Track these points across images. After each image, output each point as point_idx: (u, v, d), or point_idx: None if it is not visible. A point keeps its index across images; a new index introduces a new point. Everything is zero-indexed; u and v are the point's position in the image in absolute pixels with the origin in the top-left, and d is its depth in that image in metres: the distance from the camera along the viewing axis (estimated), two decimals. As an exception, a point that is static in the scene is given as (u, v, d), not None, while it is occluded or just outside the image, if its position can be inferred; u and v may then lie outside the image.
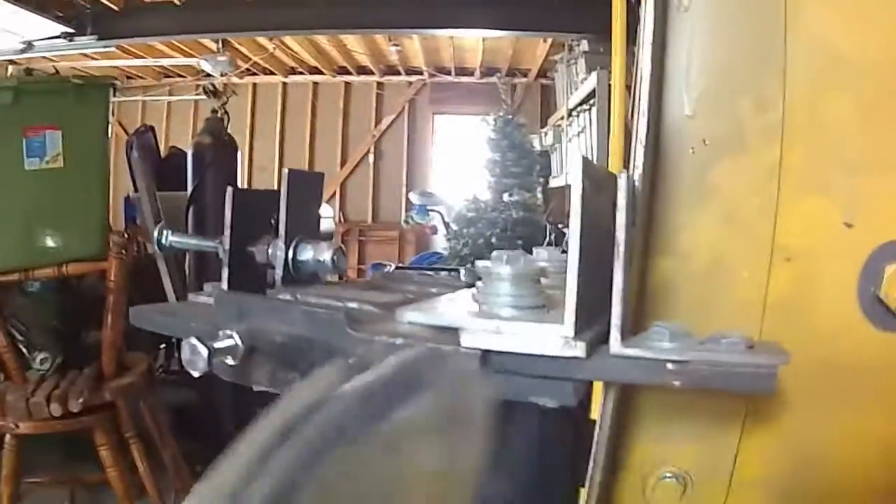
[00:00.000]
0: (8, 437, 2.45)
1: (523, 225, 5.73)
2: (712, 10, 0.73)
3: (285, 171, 0.78)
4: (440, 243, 6.96)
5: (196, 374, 0.61)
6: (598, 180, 0.58)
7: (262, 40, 7.84)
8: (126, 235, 2.57)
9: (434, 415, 0.37)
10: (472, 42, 7.82)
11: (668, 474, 0.78)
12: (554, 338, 0.49)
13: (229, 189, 0.84)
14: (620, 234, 0.50)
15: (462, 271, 1.01)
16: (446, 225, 6.64)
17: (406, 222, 7.64)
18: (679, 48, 0.73)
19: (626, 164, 0.61)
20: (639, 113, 0.66)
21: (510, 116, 6.42)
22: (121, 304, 2.55)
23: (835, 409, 0.77)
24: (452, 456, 0.39)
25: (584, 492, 0.73)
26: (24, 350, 2.65)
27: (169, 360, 4.71)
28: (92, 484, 3.03)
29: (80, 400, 2.37)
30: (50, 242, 2.55)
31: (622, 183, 0.51)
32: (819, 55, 0.73)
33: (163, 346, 4.46)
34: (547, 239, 5.36)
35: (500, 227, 5.70)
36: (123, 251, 2.52)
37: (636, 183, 0.62)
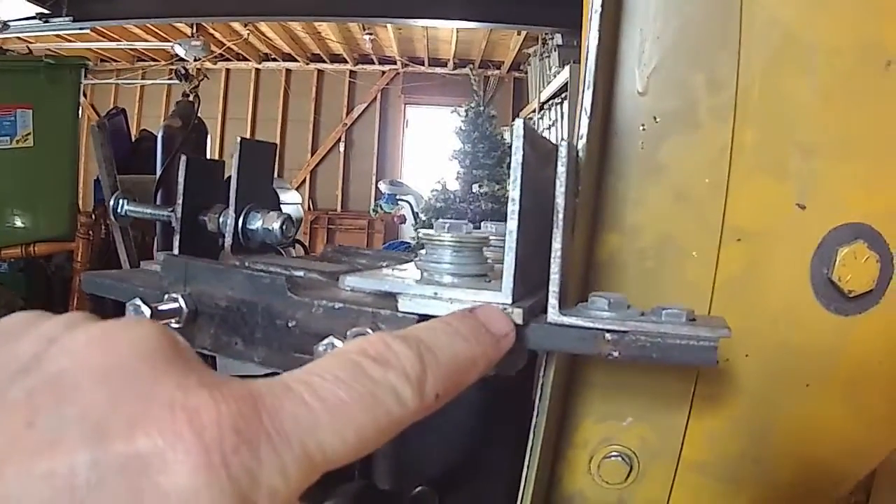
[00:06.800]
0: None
1: (493, 217, 5.74)
2: (668, -16, 0.72)
3: (237, 138, 0.76)
4: (409, 233, 6.95)
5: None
6: (545, 152, 0.57)
7: (237, 26, 7.79)
8: (94, 216, 2.54)
9: None
10: (445, 33, 7.82)
11: (614, 453, 0.76)
12: (491, 304, 0.49)
13: (183, 157, 0.83)
14: (560, 201, 0.50)
15: None
16: (415, 215, 6.63)
17: (374, 211, 7.63)
18: (632, 23, 0.72)
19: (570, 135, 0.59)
20: (584, 84, 0.65)
21: (482, 108, 6.43)
22: (83, 284, 2.52)
23: (784, 391, 0.76)
24: None
25: (525, 468, 0.71)
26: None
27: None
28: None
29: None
30: (18, 222, 2.52)
31: (563, 151, 0.50)
32: (774, 37, 0.71)
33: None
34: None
35: (469, 218, 5.70)
36: (91, 232, 2.49)
37: (580, 153, 0.60)
